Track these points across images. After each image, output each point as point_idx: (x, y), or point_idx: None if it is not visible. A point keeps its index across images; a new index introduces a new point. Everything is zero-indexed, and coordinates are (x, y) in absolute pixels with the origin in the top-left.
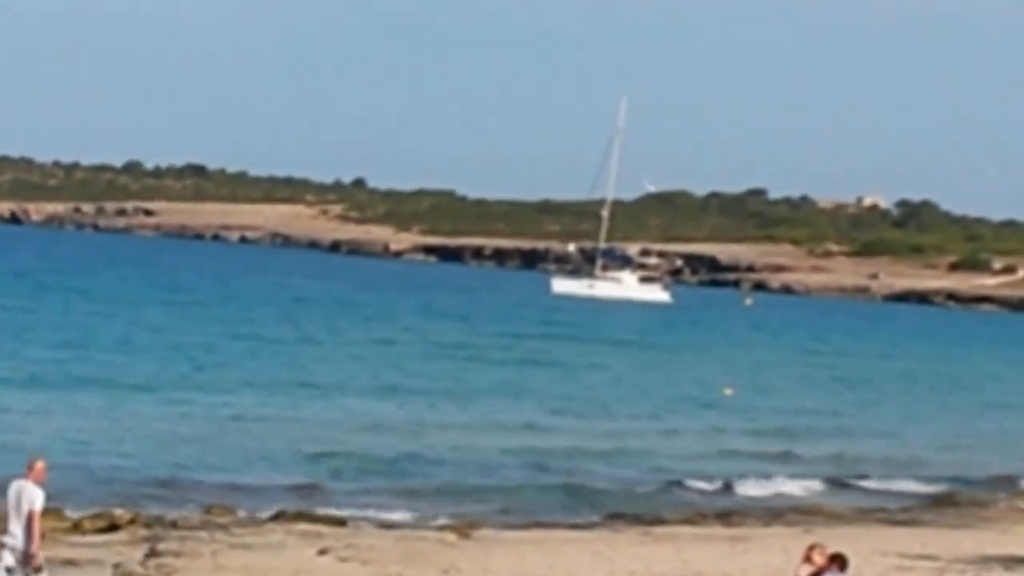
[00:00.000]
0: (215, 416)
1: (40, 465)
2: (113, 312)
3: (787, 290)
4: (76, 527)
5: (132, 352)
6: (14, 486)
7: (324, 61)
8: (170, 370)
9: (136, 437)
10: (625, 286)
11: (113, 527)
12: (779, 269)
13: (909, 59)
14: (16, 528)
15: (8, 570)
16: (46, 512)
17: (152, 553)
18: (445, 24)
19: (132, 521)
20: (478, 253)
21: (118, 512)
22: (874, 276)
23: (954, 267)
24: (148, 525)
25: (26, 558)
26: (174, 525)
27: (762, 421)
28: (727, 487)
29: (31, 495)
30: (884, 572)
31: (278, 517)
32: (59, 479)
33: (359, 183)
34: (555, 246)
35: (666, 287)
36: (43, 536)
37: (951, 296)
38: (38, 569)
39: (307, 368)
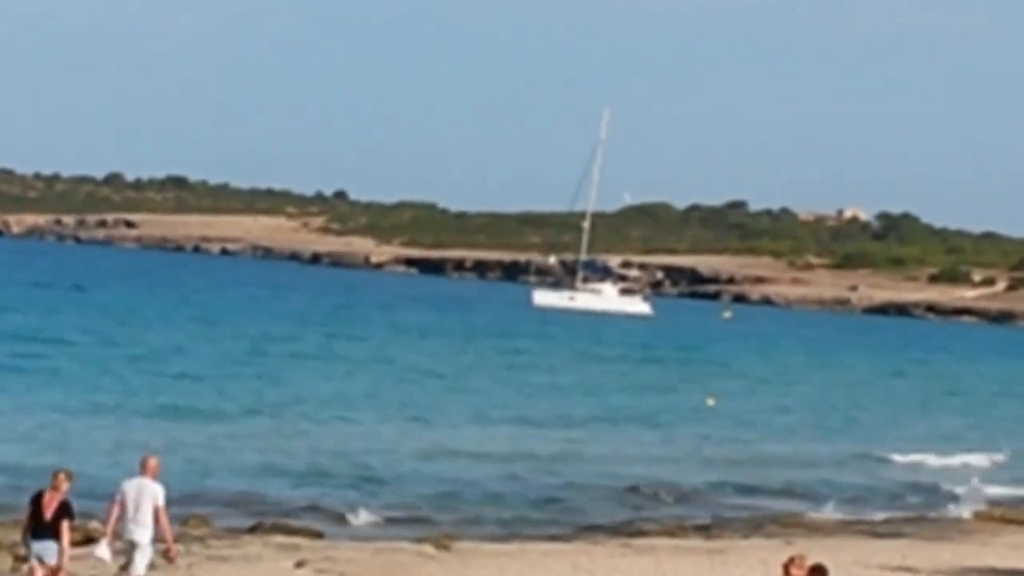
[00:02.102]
0: (204, 429)
1: (154, 462)
2: (89, 322)
3: (767, 302)
4: None
5: (105, 365)
6: (134, 483)
7: (305, 73)
8: (148, 383)
9: (110, 449)
10: (605, 298)
11: (89, 540)
12: (759, 281)
13: (889, 72)
14: (136, 524)
15: (125, 565)
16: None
17: (128, 565)
18: (426, 36)
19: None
20: (459, 265)
21: (93, 524)
22: (854, 288)
23: (934, 279)
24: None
25: (166, 555)
26: None
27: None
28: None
29: (153, 492)
30: None
31: (255, 529)
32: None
33: (340, 195)
34: (536, 258)
35: (646, 299)
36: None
37: (931, 308)
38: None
39: (299, 383)
